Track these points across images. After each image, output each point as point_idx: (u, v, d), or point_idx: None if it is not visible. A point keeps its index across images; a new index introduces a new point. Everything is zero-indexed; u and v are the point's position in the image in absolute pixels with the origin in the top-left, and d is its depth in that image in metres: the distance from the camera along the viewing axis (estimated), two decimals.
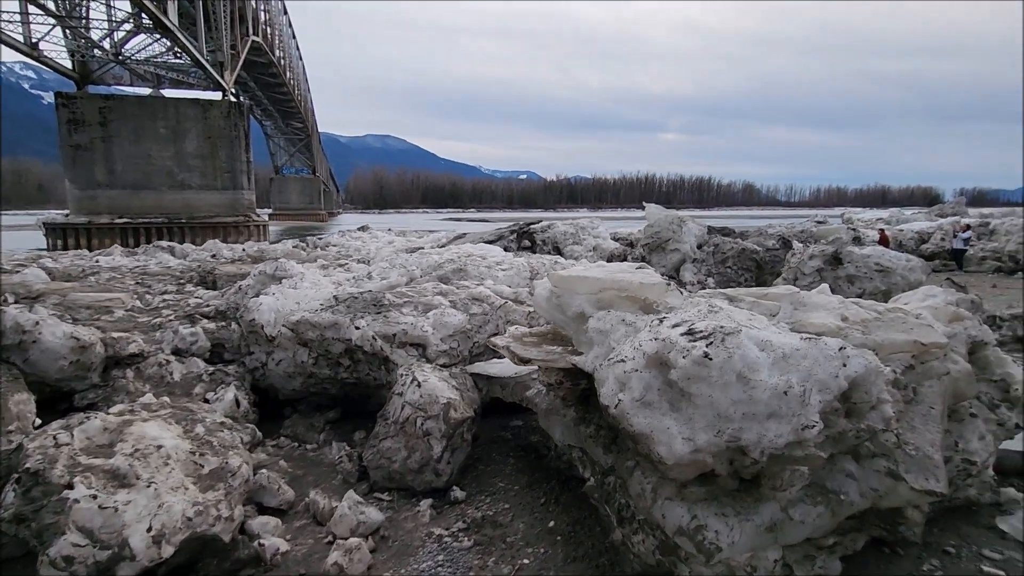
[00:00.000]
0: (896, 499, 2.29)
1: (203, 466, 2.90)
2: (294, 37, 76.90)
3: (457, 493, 3.61)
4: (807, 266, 9.76)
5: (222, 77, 41.95)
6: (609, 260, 12.12)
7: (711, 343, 2.07)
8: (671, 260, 11.30)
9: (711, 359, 2.03)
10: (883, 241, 18.32)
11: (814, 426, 2.01)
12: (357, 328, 4.45)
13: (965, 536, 3.06)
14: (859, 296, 9.36)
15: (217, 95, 42.29)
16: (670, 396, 2.15)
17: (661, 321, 2.38)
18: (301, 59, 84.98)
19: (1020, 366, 3.75)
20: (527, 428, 4.61)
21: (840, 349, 2.25)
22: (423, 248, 9.63)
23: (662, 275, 11.15)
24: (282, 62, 68.15)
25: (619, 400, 2.20)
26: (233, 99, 44.36)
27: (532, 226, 12.08)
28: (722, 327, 2.14)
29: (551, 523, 3.30)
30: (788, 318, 3.31)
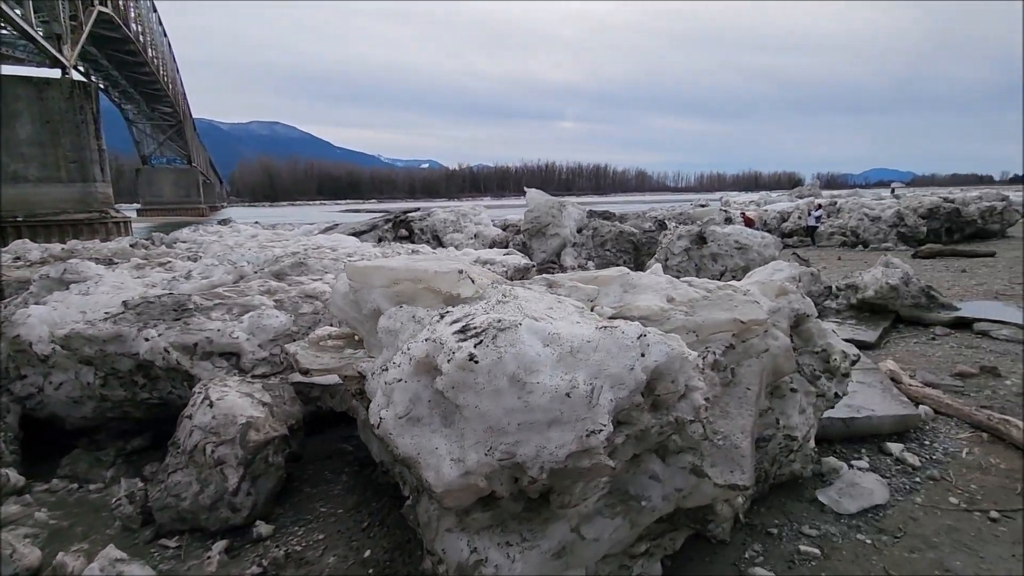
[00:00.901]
0: (700, 497, 2.12)
1: None
2: (155, 11, 69.07)
3: (262, 529, 3.07)
4: (676, 246, 10.07)
5: (60, 52, 36.54)
6: (491, 247, 11.84)
7: (480, 342, 1.72)
8: (551, 245, 11.23)
9: (477, 362, 1.68)
10: (748, 222, 19.71)
11: (601, 430, 1.74)
12: (146, 339, 3.72)
13: (789, 513, 3.03)
14: (722, 272, 9.82)
15: (55, 73, 36.84)
16: (443, 409, 1.79)
17: (442, 317, 2.01)
18: (166, 35, 76.62)
19: (839, 336, 3.86)
20: None
21: (639, 337, 2.01)
22: (287, 242, 8.75)
23: (543, 260, 10.90)
24: (141, 38, 60.99)
25: (381, 418, 1.80)
26: (78, 78, 38.93)
27: (410, 214, 11.49)
28: (498, 321, 1.80)
29: (367, 552, 2.87)
30: (616, 302, 3.11)
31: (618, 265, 11.96)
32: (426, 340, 1.86)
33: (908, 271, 7.40)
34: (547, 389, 1.71)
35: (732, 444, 2.21)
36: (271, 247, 6.19)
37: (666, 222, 13.73)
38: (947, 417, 4.13)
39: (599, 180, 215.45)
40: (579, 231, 11.82)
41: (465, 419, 1.69)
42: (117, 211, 40.09)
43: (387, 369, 1.87)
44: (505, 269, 6.39)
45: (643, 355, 1.98)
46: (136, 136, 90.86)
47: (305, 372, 2.63)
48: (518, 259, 6.88)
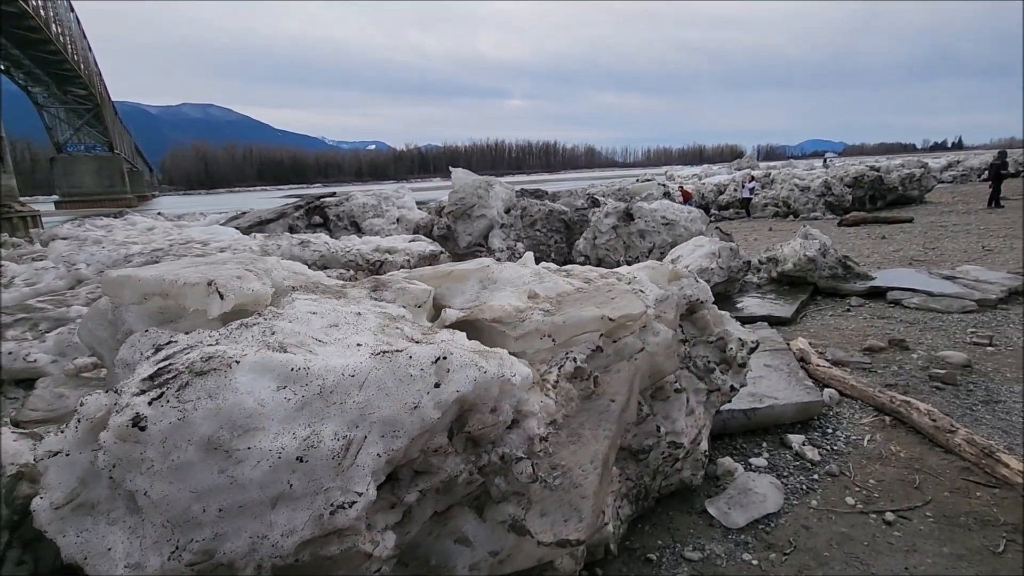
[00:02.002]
0: (521, 560, 1.70)
1: None
2: None
3: None
4: (603, 224, 9.74)
5: None
6: (415, 231, 11.22)
7: (161, 395, 1.21)
8: (478, 227, 10.70)
9: (144, 428, 1.18)
10: (685, 196, 19.74)
11: (355, 501, 1.27)
12: None
13: (675, 531, 2.69)
14: (650, 249, 9.57)
15: None
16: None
17: (157, 350, 1.48)
18: (73, 11, 70.35)
19: (737, 322, 3.54)
20: None
21: (436, 362, 1.54)
22: (191, 236, 7.87)
23: (468, 243, 10.26)
24: (42, 13, 55.70)
25: (35, 508, 1.28)
26: None
27: (325, 200, 10.68)
28: (206, 360, 1.29)
29: None
30: (471, 301, 2.64)
31: (549, 246, 11.61)
32: (108, 391, 1.34)
33: (826, 242, 7.30)
34: (267, 454, 1.22)
35: (572, 482, 1.80)
36: (131, 244, 5.43)
37: (599, 199, 13.41)
38: (852, 400, 3.91)
39: (549, 158, 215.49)
40: (507, 211, 11.33)
41: (141, 508, 1.19)
42: (23, 204, 36.76)
43: (62, 432, 1.34)
44: (408, 258, 5.84)
45: (438, 385, 1.51)
46: (48, 122, 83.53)
47: (17, 425, 2.05)
48: (423, 246, 6.34)
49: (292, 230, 9.96)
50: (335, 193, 11.41)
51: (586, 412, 2.18)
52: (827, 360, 4.60)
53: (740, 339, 3.33)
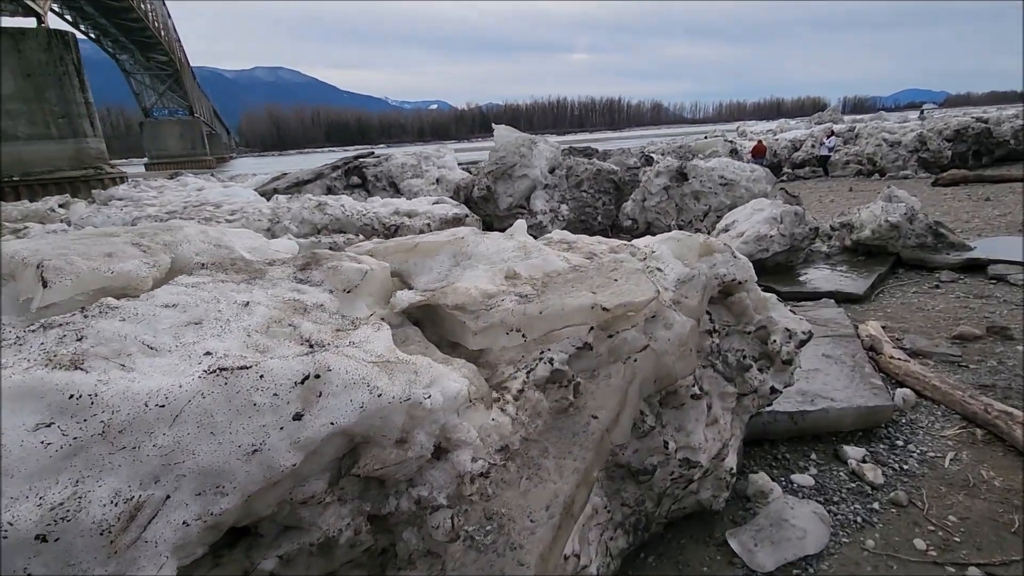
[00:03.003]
0: None
1: None
2: None
3: None
4: (653, 184, 8.92)
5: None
6: (455, 193, 10.78)
7: None
8: (519, 188, 10.11)
9: None
10: (758, 151, 18.14)
11: None
12: None
13: (684, 566, 2.19)
14: (705, 212, 8.69)
15: (30, 22, 35.29)
16: None
17: None
18: None
19: (787, 306, 2.88)
20: None
21: (301, 382, 1.10)
22: (207, 199, 7.85)
23: (509, 205, 9.82)
24: None
25: None
26: (55, 27, 37.32)
27: (363, 160, 10.40)
28: None
29: None
30: (438, 281, 2.17)
31: (596, 208, 10.88)
32: None
33: (914, 205, 6.23)
34: None
35: (509, 541, 1.33)
36: (150, 207, 5.33)
37: (654, 157, 12.41)
38: (933, 404, 3.18)
39: (613, 115, 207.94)
40: (551, 171, 10.64)
41: None
42: (112, 167, 39.27)
43: None
44: (428, 221, 5.42)
45: (299, 417, 1.08)
46: (135, 87, 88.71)
47: None
48: (447, 209, 5.89)
49: (330, 191, 9.77)
50: (373, 152, 11.10)
51: (555, 433, 1.69)
52: (904, 350, 3.83)
53: (787, 329, 2.69)
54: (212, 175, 15.12)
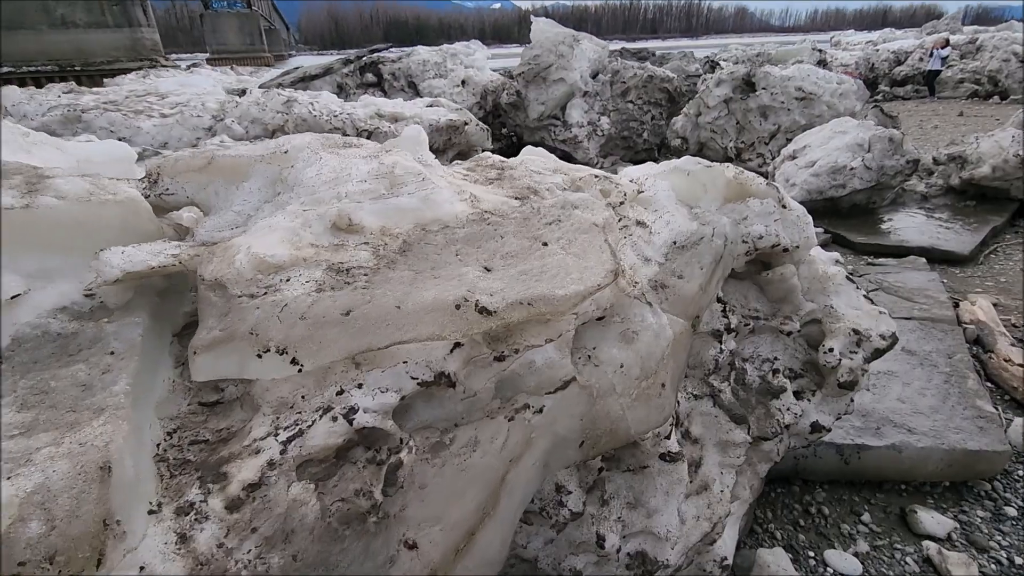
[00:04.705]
0: None
1: None
2: None
3: None
4: (712, 96, 7.38)
5: None
6: (483, 97, 9.49)
7: None
8: (554, 94, 8.73)
9: None
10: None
11: None
12: None
13: None
14: (773, 134, 7.15)
15: None
16: None
17: None
18: None
19: (860, 289, 1.80)
20: None
21: None
22: (157, 88, 7.05)
23: (540, 114, 8.54)
24: None
25: None
26: None
27: (382, 55, 9.16)
28: None
29: None
30: (231, 226, 1.27)
31: (643, 123, 9.39)
32: None
33: None
34: None
35: None
36: (91, 96, 4.55)
37: (721, 64, 10.49)
38: None
39: (690, 20, 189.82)
40: (594, 76, 9.13)
41: None
42: (167, 59, 38.97)
43: None
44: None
45: None
46: None
47: None
48: (441, 113, 4.81)
49: (341, 89, 8.71)
50: (391, 46, 9.81)
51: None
52: None
53: (855, 330, 1.65)
54: (232, 67, 14.24)
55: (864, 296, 1.77)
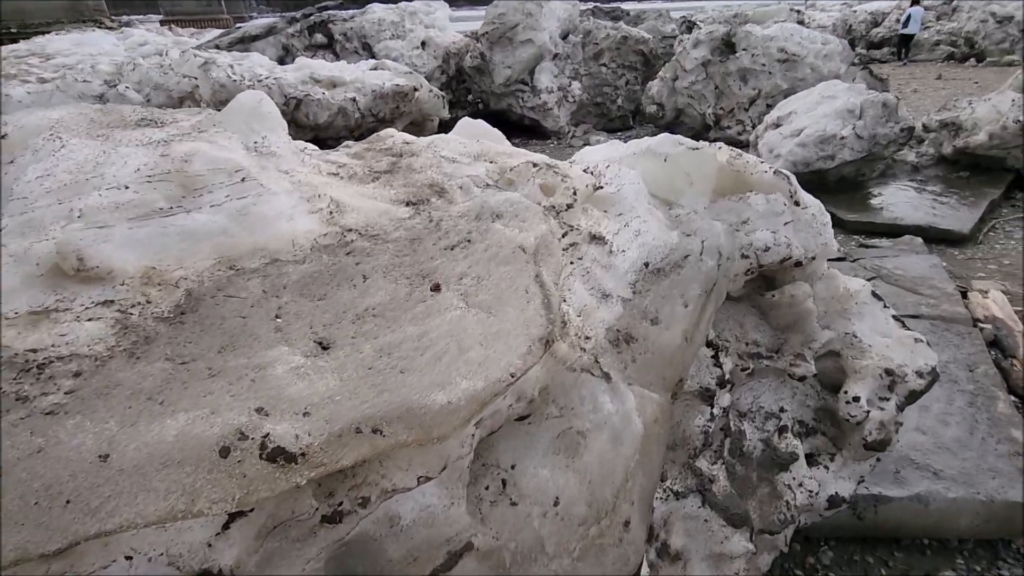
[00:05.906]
0: None
1: None
2: None
3: None
4: (689, 58, 6.86)
5: None
6: (444, 60, 8.77)
7: None
8: (521, 57, 8.08)
9: None
10: None
11: None
12: None
13: None
14: (752, 99, 6.69)
15: None
16: None
17: None
18: None
19: (889, 310, 1.37)
20: None
21: None
22: (30, 48, 6.27)
23: (507, 78, 7.93)
24: None
25: None
26: None
27: (332, 13, 8.33)
28: None
29: None
30: None
31: (617, 87, 8.83)
32: None
33: None
34: None
35: None
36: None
37: (698, 24, 9.92)
38: None
39: None
40: (564, 37, 8.49)
41: None
42: (112, 19, 36.46)
43: None
44: (355, 95, 3.81)
45: None
46: None
47: None
48: (386, 77, 4.20)
49: (288, 51, 7.91)
50: (344, 5, 8.97)
51: None
52: None
53: (887, 370, 1.22)
54: (166, 26, 13.07)
55: (894, 317, 1.35)
